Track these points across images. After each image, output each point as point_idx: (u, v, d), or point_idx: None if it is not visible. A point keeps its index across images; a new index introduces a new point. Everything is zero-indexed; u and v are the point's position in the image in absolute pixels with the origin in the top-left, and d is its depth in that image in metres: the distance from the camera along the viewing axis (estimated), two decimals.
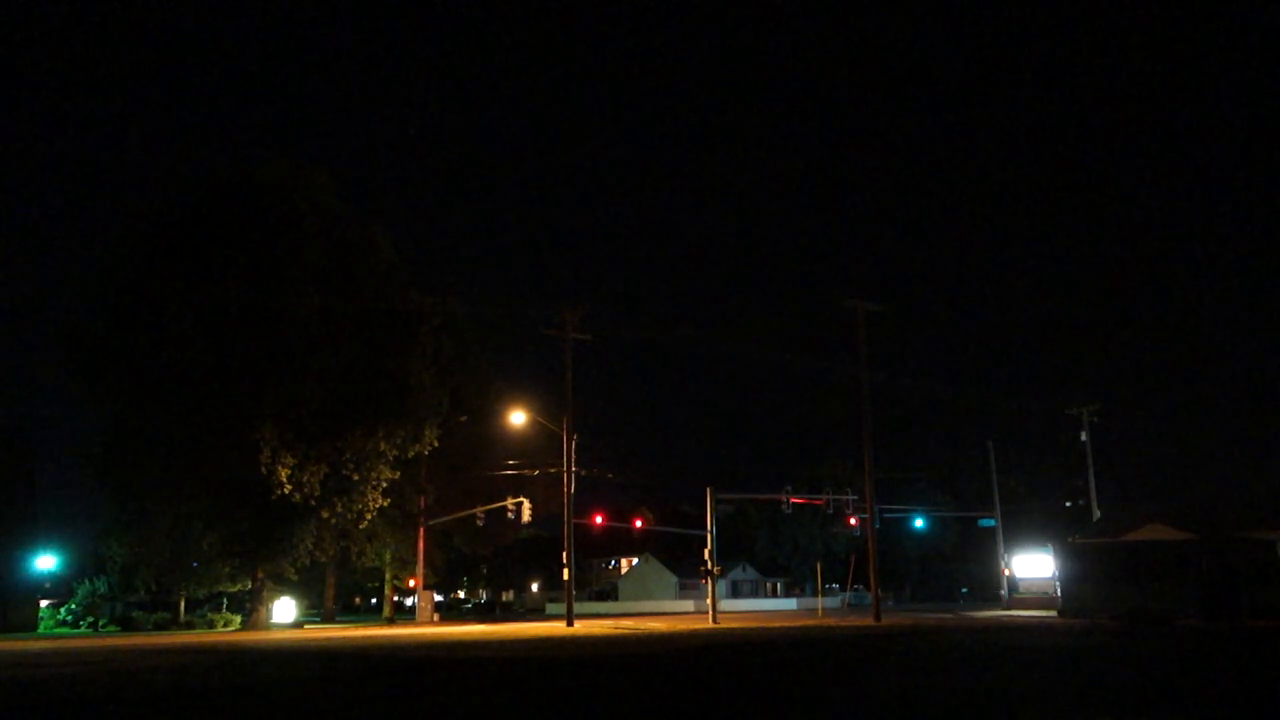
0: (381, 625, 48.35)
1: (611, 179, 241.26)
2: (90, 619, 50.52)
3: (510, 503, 47.40)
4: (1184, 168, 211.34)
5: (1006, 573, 53.39)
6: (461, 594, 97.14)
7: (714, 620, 38.88)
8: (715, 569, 41.83)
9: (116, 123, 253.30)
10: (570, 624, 36.86)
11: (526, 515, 46.86)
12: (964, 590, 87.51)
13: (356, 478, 41.92)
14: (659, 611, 68.71)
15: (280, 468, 38.98)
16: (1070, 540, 37.65)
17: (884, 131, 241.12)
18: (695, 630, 30.70)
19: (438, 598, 61.26)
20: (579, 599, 63.00)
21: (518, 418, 46.10)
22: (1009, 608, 50.22)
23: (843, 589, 71.73)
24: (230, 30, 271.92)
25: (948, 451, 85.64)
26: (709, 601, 42.40)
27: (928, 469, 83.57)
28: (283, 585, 50.30)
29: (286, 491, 39.39)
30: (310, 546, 43.42)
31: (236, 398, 39.32)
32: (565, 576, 39.40)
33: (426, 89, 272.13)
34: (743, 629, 31.26)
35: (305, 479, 39.90)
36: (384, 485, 42.90)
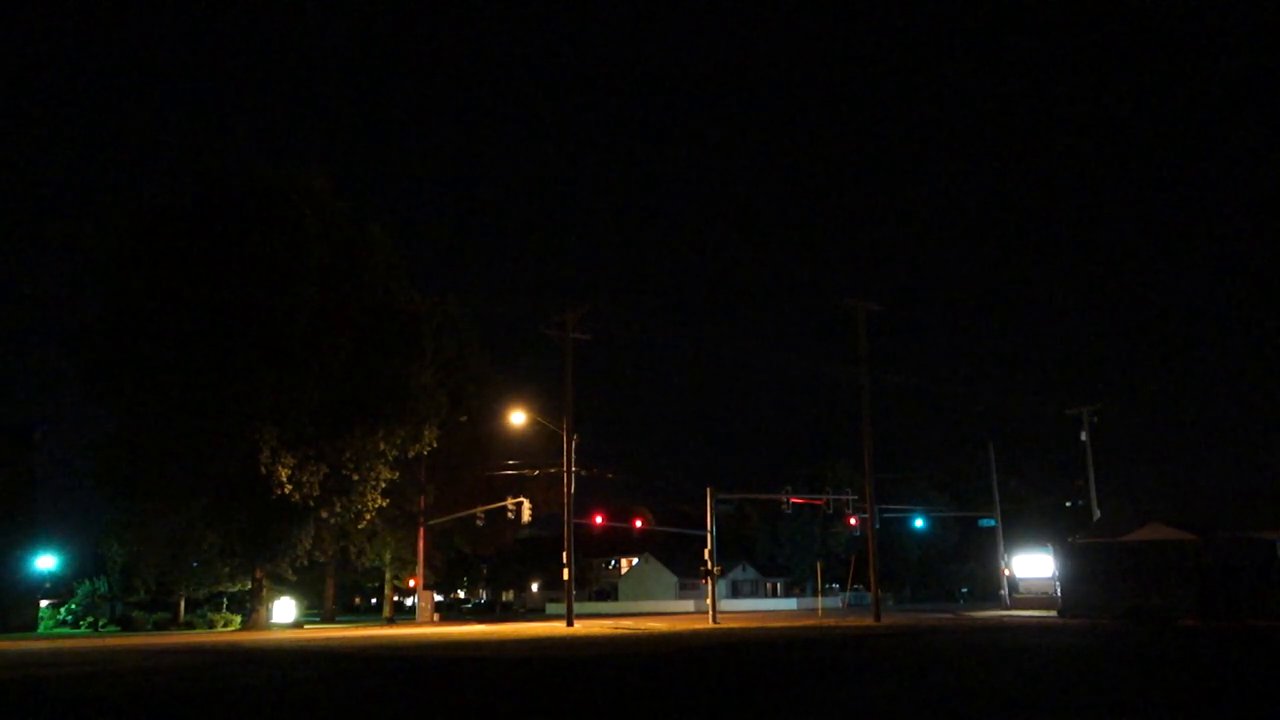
0: (381, 625, 48.36)
1: (611, 179, 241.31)
2: (90, 619, 50.48)
3: (510, 503, 47.40)
4: (1184, 168, 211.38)
5: (1006, 573, 53.39)
6: (461, 594, 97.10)
7: (714, 620, 38.86)
8: (715, 569, 41.81)
9: (116, 122, 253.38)
10: (570, 624, 36.84)
11: (526, 515, 46.86)
12: (964, 590, 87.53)
13: (356, 478, 41.94)
14: (659, 611, 68.70)
15: (280, 468, 38.99)
16: (1070, 540, 37.65)
17: (884, 132, 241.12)
18: (695, 630, 30.69)
19: (438, 598, 61.24)
20: (579, 599, 62.99)
21: (518, 418, 46.13)
22: (1009, 608, 50.18)
23: (843, 589, 71.72)
24: (230, 30, 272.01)
25: (948, 451, 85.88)
26: (709, 601, 42.38)
27: (928, 469, 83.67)
28: (282, 585, 50.32)
29: (286, 491, 39.39)
30: (310, 546, 43.44)
31: (236, 398, 39.31)
32: (565, 576, 39.38)
33: (425, 90, 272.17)
34: (743, 629, 31.24)
35: (305, 479, 39.91)
36: (384, 485, 42.95)
